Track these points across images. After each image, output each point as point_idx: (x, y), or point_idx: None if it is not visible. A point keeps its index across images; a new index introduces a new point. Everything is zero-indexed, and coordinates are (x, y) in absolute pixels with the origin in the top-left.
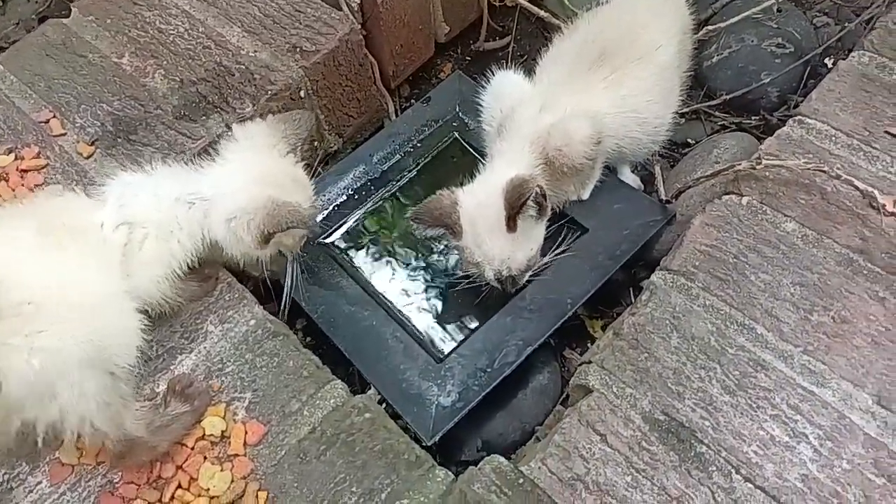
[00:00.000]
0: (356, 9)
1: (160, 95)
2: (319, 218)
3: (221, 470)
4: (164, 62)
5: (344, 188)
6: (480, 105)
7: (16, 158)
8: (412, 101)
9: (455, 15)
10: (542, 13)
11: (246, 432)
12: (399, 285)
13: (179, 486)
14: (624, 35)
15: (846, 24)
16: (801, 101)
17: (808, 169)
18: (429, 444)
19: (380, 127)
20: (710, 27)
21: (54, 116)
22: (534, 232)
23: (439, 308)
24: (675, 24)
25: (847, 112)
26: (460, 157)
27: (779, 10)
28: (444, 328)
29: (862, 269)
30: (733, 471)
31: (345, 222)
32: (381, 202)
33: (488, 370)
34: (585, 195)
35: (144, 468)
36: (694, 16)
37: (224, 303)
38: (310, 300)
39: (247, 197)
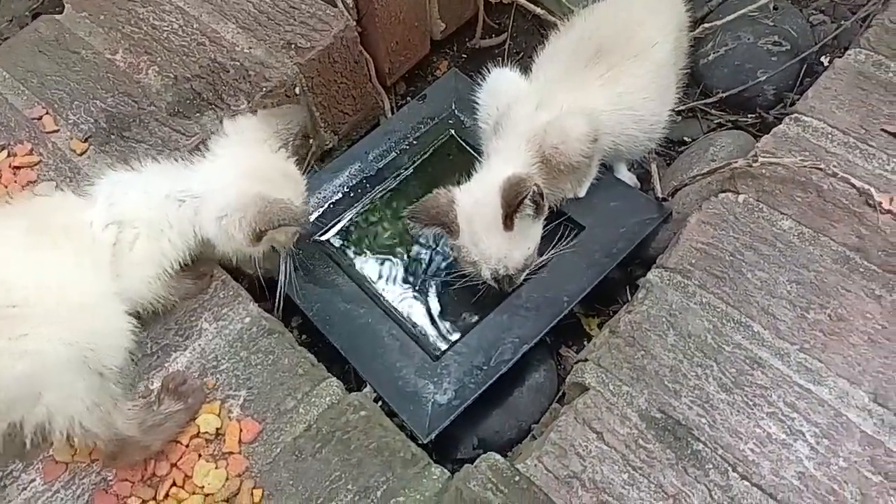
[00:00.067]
0: (351, 5)
1: (154, 92)
2: (315, 216)
3: (216, 468)
4: (158, 59)
5: (339, 186)
6: (476, 103)
7: (8, 155)
8: (408, 98)
9: (451, 12)
10: (538, 10)
11: (241, 430)
12: (395, 283)
13: (174, 484)
14: (620, 32)
15: (842, 22)
16: (798, 99)
17: (805, 167)
18: (425, 441)
19: (375, 124)
20: (706, 25)
21: (47, 113)
22: (531, 231)
23: (435, 306)
24: (672, 21)
25: (843, 110)
26: (456, 154)
27: (775, 8)
28: (441, 326)
29: (858, 267)
30: (730, 468)
31: (340, 220)
32: (376, 200)
33: (484, 368)
34: (582, 193)
35: (139, 466)
36: (690, 13)
37: (219, 300)
38: (305, 298)
39: (237, 194)
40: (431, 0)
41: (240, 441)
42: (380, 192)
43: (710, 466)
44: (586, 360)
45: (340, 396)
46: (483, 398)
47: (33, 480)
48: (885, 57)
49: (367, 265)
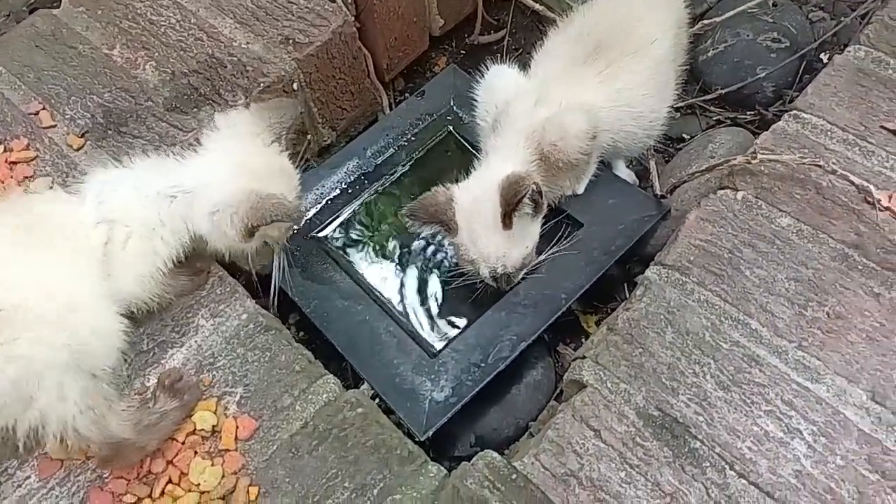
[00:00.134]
0: (350, 1)
1: (151, 87)
2: (313, 212)
3: (212, 465)
4: (156, 54)
5: (337, 182)
6: (475, 99)
7: (4, 150)
8: (406, 94)
9: (450, 8)
10: (537, 6)
11: (237, 427)
12: (393, 280)
13: (170, 481)
14: (619, 28)
15: (842, 19)
16: (797, 96)
17: (804, 164)
18: (422, 439)
19: (374, 120)
20: (705, 21)
21: (44, 108)
22: (529, 229)
23: (433, 303)
24: (671, 17)
25: (843, 107)
26: (455, 151)
27: (774, 5)
28: (438, 323)
29: (857, 265)
30: (727, 466)
31: (338, 216)
32: (374, 196)
33: (482, 365)
34: (580, 190)
35: (134, 463)
36: (689, 10)
37: (216, 296)
38: (303, 294)
39: (229, 189)
40: None
41: (236, 438)
42: (378, 188)
43: (708, 464)
44: (584, 357)
45: (337, 393)
46: (480, 395)
47: (28, 477)
48: (884, 54)
49: (365, 262)
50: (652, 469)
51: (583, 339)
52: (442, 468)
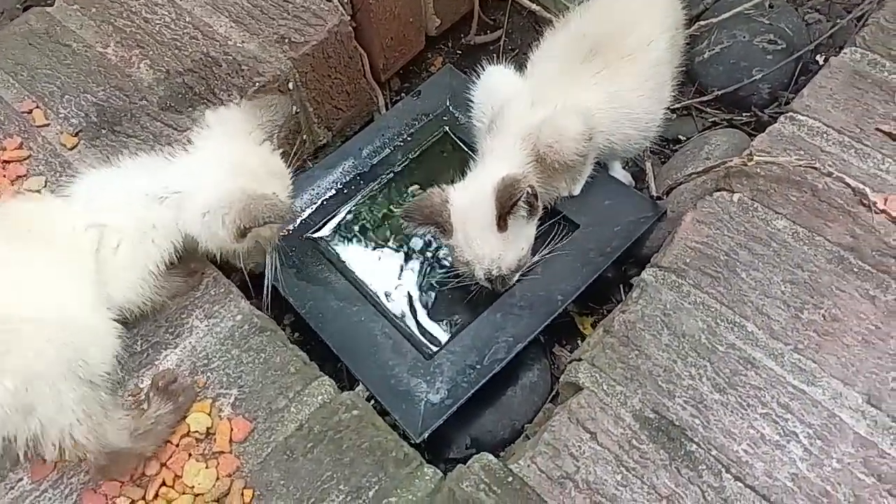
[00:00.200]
0: (346, 0)
1: (146, 86)
2: (308, 212)
3: (206, 467)
4: (150, 52)
5: (333, 182)
6: (471, 100)
7: None
8: (402, 94)
9: (446, 8)
10: (533, 7)
11: (232, 429)
12: (388, 281)
13: (164, 484)
14: (616, 30)
15: (837, 21)
16: (793, 98)
17: (800, 166)
18: (417, 441)
19: (369, 120)
20: (701, 23)
21: (37, 107)
22: (524, 231)
23: (429, 304)
24: (667, 19)
25: (839, 109)
26: (451, 151)
27: (770, 7)
28: (434, 325)
29: (853, 267)
30: (723, 469)
31: (333, 217)
32: (370, 197)
33: (478, 367)
34: (576, 191)
35: None
36: (686, 11)
37: (210, 297)
38: (297, 295)
39: (221, 190)
40: None
41: (230, 440)
42: (373, 188)
43: (704, 467)
44: (580, 359)
45: (333, 395)
46: (476, 397)
47: (21, 480)
48: (880, 56)
49: (361, 263)
50: (648, 472)
51: (578, 341)
52: (438, 471)
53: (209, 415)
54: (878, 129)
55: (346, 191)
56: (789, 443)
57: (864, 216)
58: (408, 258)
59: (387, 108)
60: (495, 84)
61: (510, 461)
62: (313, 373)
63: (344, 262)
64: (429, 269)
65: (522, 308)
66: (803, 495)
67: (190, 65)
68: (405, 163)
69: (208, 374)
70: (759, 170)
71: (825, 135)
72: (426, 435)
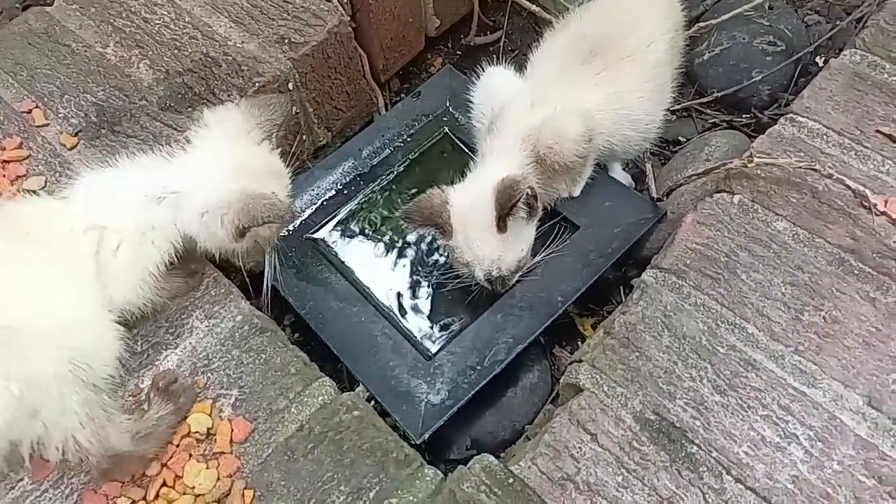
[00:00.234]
0: (345, 1)
1: (145, 86)
2: (308, 213)
3: (207, 468)
4: (150, 52)
5: (333, 183)
6: (471, 101)
7: None
8: (402, 95)
9: (446, 9)
10: (533, 8)
11: (232, 430)
12: (388, 282)
13: (164, 484)
14: (616, 31)
15: (837, 23)
16: (793, 100)
17: (800, 167)
18: (418, 442)
19: (369, 121)
20: (701, 24)
21: (37, 107)
22: (524, 232)
23: (429, 305)
24: (667, 20)
25: (839, 111)
26: (450, 152)
27: (770, 8)
28: (434, 325)
29: (853, 269)
30: (724, 471)
31: (333, 217)
32: (370, 197)
33: (478, 368)
34: (576, 192)
35: None
36: (685, 12)
37: (210, 298)
38: (298, 296)
39: (219, 189)
40: None
41: (231, 441)
42: (373, 189)
43: (705, 469)
44: (581, 360)
45: (333, 396)
46: (476, 398)
47: (21, 479)
48: (880, 58)
49: (361, 263)
50: (649, 473)
51: (579, 342)
52: (438, 472)
53: (210, 415)
54: (878, 131)
55: (345, 191)
56: (790, 445)
57: (865, 218)
58: (408, 259)
59: (386, 109)
60: (495, 85)
61: (511, 462)
62: (314, 374)
63: (344, 262)
64: (429, 270)
65: (523, 309)
66: (804, 497)
67: (189, 65)
68: (405, 163)
69: (209, 374)
70: (759, 171)
71: (825, 136)
72: (426, 436)
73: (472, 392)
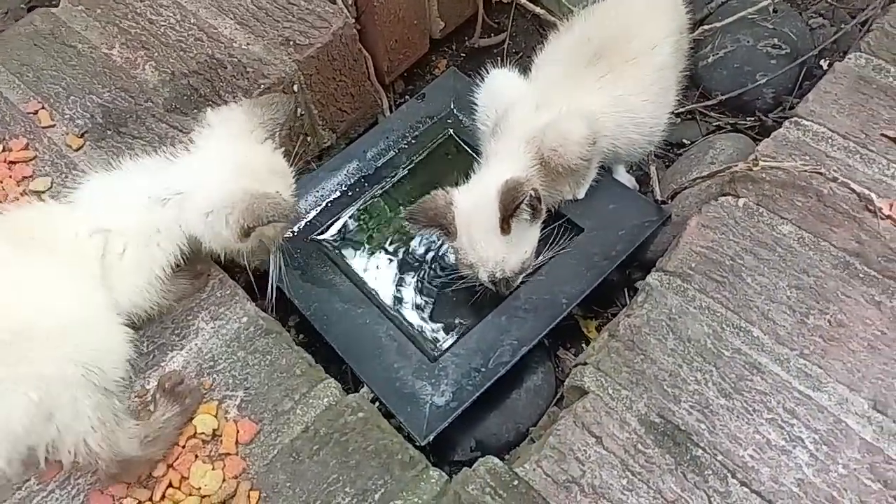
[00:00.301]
0: (350, 3)
1: (151, 88)
2: (312, 214)
3: (213, 469)
4: (155, 54)
5: (337, 184)
6: (475, 103)
7: (3, 150)
8: (406, 97)
9: (450, 11)
10: (538, 10)
11: (238, 431)
12: (393, 283)
13: (170, 485)
14: (620, 34)
15: (842, 26)
16: (797, 103)
17: (805, 171)
18: (422, 443)
19: (374, 123)
20: (705, 27)
21: (43, 107)
22: (528, 234)
23: (433, 306)
24: (672, 23)
25: (843, 114)
26: (455, 154)
27: (774, 11)
28: (439, 327)
29: (858, 273)
30: (729, 475)
31: (338, 219)
32: (374, 199)
33: (482, 370)
34: (581, 195)
35: None
36: (690, 15)
37: (216, 299)
38: (302, 297)
39: (223, 189)
40: None
41: (237, 442)
42: (378, 191)
43: (710, 472)
44: (585, 363)
45: (338, 398)
46: (481, 400)
47: (27, 480)
48: (885, 61)
49: (365, 265)
50: (654, 477)
51: (583, 344)
52: (443, 474)
53: (215, 416)
54: (883, 135)
55: (350, 193)
56: (795, 448)
57: (870, 222)
58: (412, 260)
59: (391, 111)
60: (499, 87)
61: (515, 465)
62: (319, 375)
63: (349, 264)
64: (433, 271)
65: (527, 311)
66: (809, 501)
67: (195, 66)
68: (409, 165)
69: (214, 375)
70: (764, 175)
71: (830, 140)
72: (431, 437)
73: (477, 394)
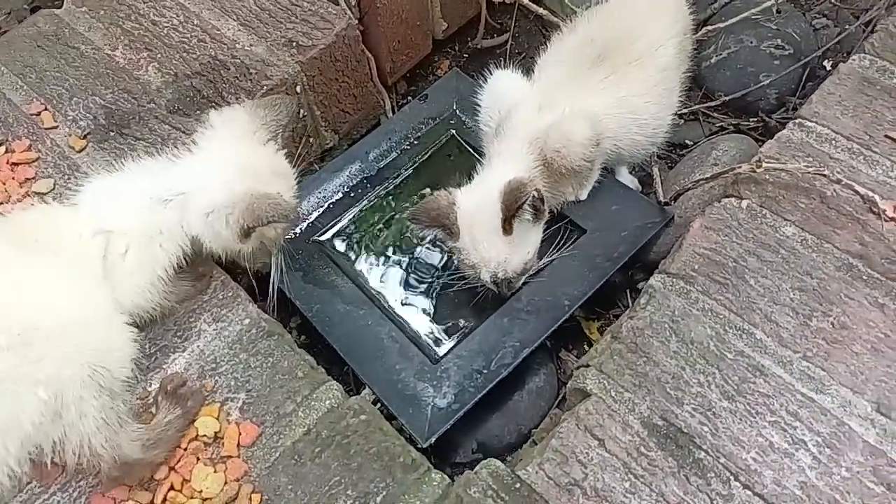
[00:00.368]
0: (353, 4)
1: (154, 89)
2: (315, 216)
3: (214, 471)
4: (158, 55)
5: (340, 186)
6: (478, 104)
7: (6, 151)
8: (409, 98)
9: (453, 12)
10: (541, 11)
11: (240, 433)
12: (395, 285)
13: (172, 488)
14: (623, 35)
15: (845, 27)
16: (800, 104)
17: (809, 173)
18: (424, 446)
19: (376, 124)
20: (709, 28)
21: (46, 109)
22: (530, 235)
23: (435, 308)
24: (675, 24)
25: (847, 115)
26: (457, 155)
27: (778, 12)
28: (441, 329)
29: (861, 275)
30: (732, 477)
31: (340, 220)
32: (377, 200)
33: (484, 372)
34: (583, 196)
35: None
36: (693, 16)
37: (218, 301)
38: (304, 298)
39: (224, 189)
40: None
41: (238, 445)
42: (380, 192)
43: (713, 475)
44: (588, 365)
45: (340, 400)
46: (483, 402)
47: (29, 483)
48: (889, 63)
49: (367, 266)
50: (656, 479)
51: (585, 346)
52: (445, 476)
53: (217, 419)
54: (887, 136)
55: (352, 194)
56: (798, 451)
57: (873, 224)
58: (414, 262)
59: (393, 112)
60: (502, 88)
61: (517, 467)
62: (321, 377)
63: (350, 265)
64: (435, 272)
65: (529, 313)
66: None
67: (198, 68)
68: (412, 166)
69: (216, 378)
70: (767, 176)
71: (834, 141)
72: (433, 440)
73: (479, 396)
